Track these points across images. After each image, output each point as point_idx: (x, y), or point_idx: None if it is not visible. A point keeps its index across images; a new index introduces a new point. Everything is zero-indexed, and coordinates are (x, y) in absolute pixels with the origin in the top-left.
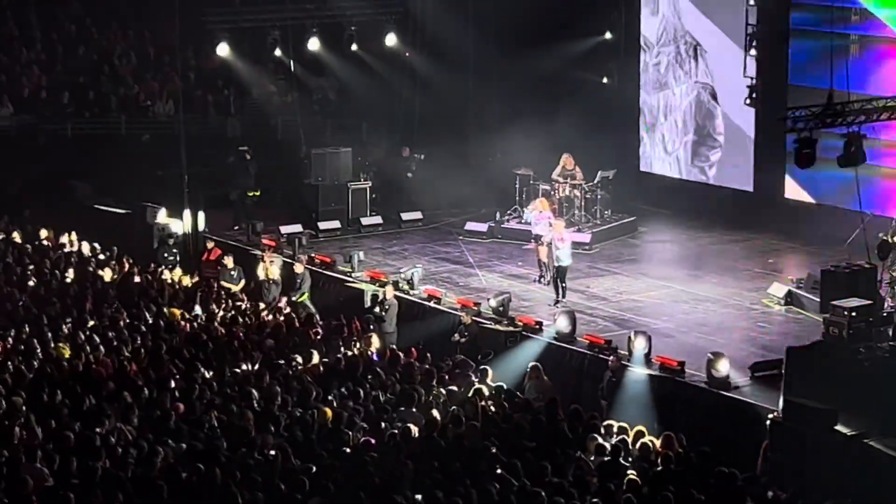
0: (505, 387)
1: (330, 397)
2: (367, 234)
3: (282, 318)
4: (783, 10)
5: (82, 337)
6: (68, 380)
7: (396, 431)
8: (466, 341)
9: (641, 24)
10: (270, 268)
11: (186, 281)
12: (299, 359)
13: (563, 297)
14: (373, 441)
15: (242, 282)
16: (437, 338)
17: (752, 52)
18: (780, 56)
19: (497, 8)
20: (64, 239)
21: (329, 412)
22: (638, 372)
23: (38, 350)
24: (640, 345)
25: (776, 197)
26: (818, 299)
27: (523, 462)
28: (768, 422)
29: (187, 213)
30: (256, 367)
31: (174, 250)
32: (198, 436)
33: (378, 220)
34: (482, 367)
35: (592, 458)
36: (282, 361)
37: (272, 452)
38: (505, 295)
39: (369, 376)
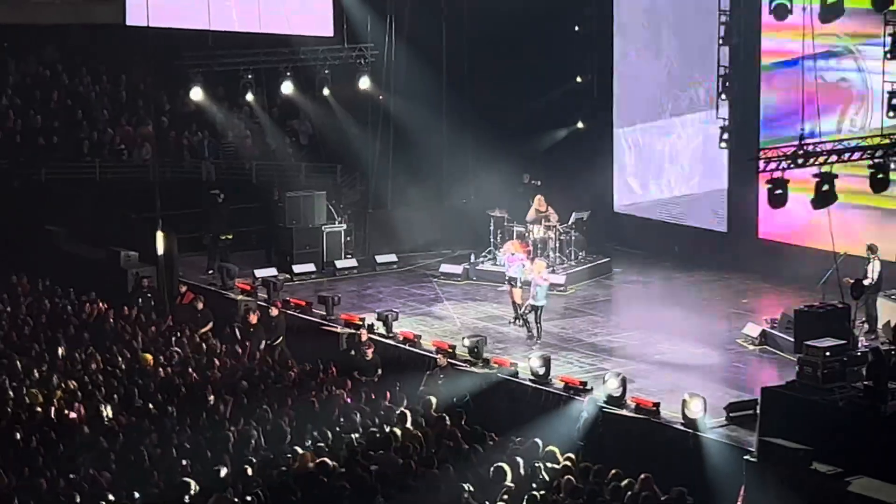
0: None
1: (307, 442)
2: (341, 277)
3: (256, 362)
4: (754, 52)
5: (55, 382)
6: (42, 425)
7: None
8: (442, 383)
9: (614, 66)
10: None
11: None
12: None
13: (539, 337)
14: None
15: (210, 324)
16: (413, 380)
17: (724, 94)
18: (752, 97)
19: (469, 51)
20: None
21: (308, 455)
22: (614, 413)
23: (11, 395)
24: (614, 386)
25: (750, 237)
26: (792, 339)
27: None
28: (744, 462)
29: (161, 259)
30: (230, 410)
31: (148, 295)
32: (171, 481)
33: (353, 262)
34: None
35: (568, 500)
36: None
37: (248, 498)
38: (479, 337)
39: (342, 419)
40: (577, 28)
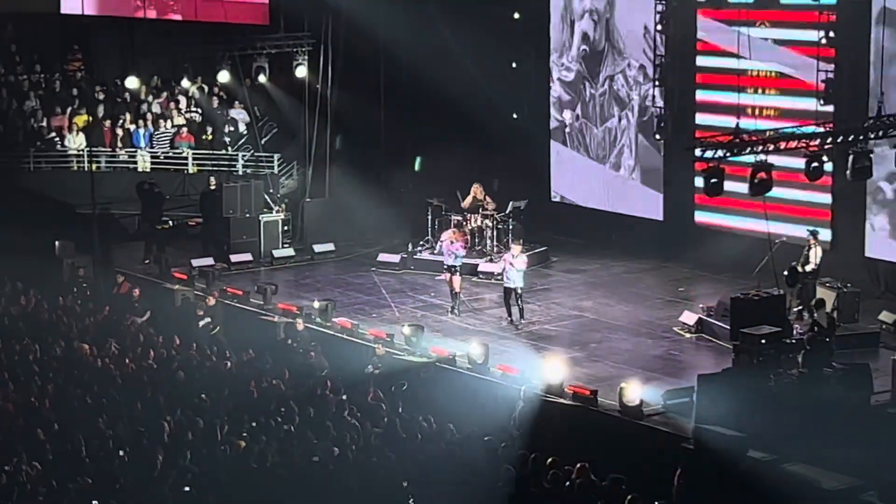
0: None
1: (244, 433)
2: (279, 266)
3: (192, 351)
4: (690, 39)
5: None
6: None
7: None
8: (380, 373)
9: (551, 53)
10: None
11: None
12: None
13: (522, 318)
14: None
15: (148, 314)
16: (350, 369)
17: (659, 82)
18: (688, 85)
19: (407, 38)
20: None
21: (241, 444)
22: (550, 401)
23: None
24: (552, 374)
25: (686, 225)
26: (728, 327)
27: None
28: (681, 449)
29: (97, 247)
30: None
31: (84, 285)
32: (108, 471)
33: (290, 252)
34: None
35: (507, 489)
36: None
37: (186, 488)
38: (417, 326)
39: (282, 409)
40: (516, 15)
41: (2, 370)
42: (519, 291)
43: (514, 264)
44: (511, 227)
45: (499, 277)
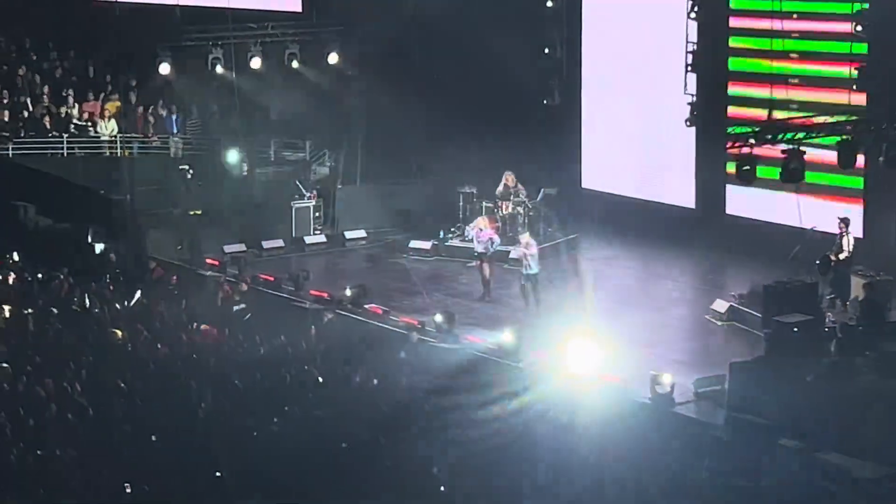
0: None
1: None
2: (310, 253)
3: (225, 337)
4: (723, 25)
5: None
6: (10, 401)
7: None
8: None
9: (583, 38)
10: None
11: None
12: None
13: (539, 305)
14: None
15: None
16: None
17: (692, 69)
18: (721, 72)
19: (441, 24)
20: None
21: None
22: (582, 388)
23: None
24: (583, 361)
25: (718, 213)
26: (760, 315)
27: None
28: (712, 437)
29: (131, 232)
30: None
31: (116, 270)
32: (140, 456)
33: (322, 238)
34: None
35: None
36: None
37: (217, 473)
38: (449, 313)
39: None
40: (549, 3)
41: (35, 356)
42: (538, 278)
43: (529, 252)
44: (542, 213)
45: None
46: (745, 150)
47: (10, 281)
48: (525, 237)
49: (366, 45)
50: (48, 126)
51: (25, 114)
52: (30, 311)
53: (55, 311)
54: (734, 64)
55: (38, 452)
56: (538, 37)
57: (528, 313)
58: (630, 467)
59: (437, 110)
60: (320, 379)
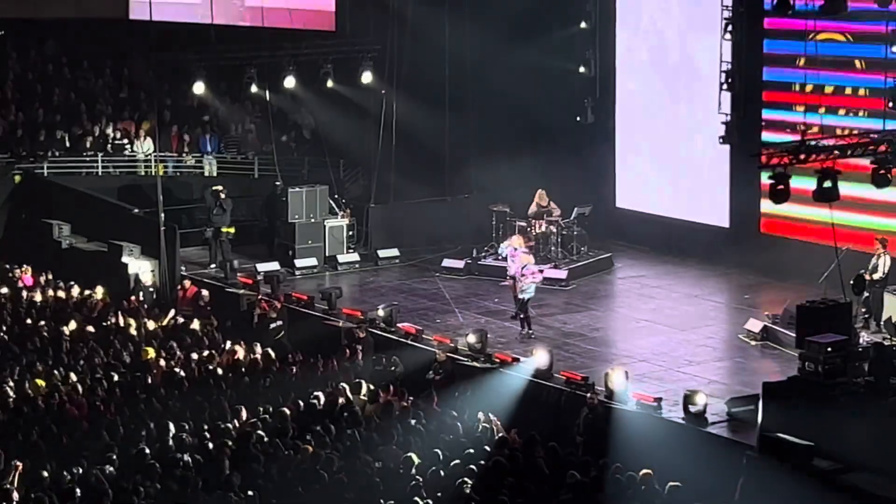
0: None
1: (308, 436)
2: (343, 272)
3: (258, 357)
4: (757, 45)
5: (58, 376)
6: (44, 418)
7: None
8: (441, 378)
9: (616, 58)
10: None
11: (163, 321)
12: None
13: (529, 328)
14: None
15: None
16: (414, 375)
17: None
18: (755, 91)
19: (471, 43)
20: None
21: (309, 449)
22: (614, 409)
23: (13, 388)
24: (616, 381)
25: (752, 232)
26: (794, 335)
27: (501, 499)
28: (745, 457)
29: (163, 252)
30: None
31: (150, 289)
32: (173, 475)
33: (355, 257)
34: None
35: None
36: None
37: (250, 493)
38: (482, 331)
39: (346, 414)
40: (583, 25)
41: (70, 372)
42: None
43: (536, 279)
44: (575, 232)
45: (564, 284)
46: (779, 169)
47: (47, 299)
48: (529, 257)
49: (398, 64)
50: (87, 145)
51: (60, 133)
52: (66, 328)
53: (92, 329)
54: (768, 85)
55: (74, 470)
56: (572, 55)
57: (565, 332)
58: (663, 487)
59: (470, 129)
60: None
